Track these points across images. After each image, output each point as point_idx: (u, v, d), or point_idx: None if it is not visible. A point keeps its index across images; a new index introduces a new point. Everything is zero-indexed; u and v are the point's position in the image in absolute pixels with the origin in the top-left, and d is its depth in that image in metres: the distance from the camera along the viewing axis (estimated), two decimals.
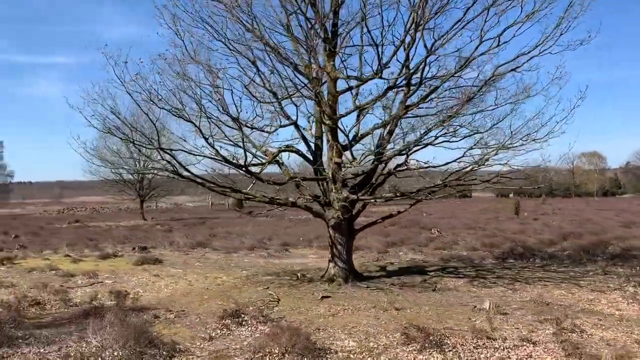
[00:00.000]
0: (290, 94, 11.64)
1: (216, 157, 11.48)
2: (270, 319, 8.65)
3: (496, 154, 10.61)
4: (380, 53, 10.77)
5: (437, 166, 12.67)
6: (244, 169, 11.39)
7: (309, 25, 11.36)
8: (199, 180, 12.21)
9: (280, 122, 12.18)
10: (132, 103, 11.32)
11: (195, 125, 10.83)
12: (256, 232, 29.34)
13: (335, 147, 11.65)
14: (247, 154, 11.76)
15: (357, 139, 12.19)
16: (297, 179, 11.78)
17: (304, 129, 12.62)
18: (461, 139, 12.26)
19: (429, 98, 11.25)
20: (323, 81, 12.01)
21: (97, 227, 38.69)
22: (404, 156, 12.17)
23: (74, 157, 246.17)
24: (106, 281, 14.04)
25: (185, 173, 11.84)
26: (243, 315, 8.63)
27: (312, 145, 12.60)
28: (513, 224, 31.91)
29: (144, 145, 11.48)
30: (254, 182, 11.92)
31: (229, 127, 11.95)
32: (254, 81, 11.74)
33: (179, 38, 11.51)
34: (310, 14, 11.31)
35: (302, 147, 12.60)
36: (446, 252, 19.82)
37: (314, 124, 12.91)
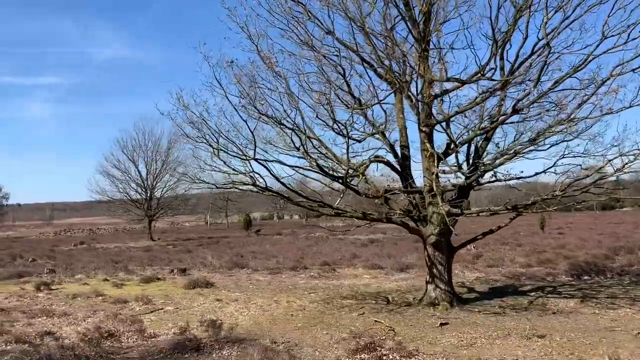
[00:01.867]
0: (379, 100, 10.63)
1: (312, 169, 10.36)
2: (410, 353, 7.46)
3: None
4: (497, 50, 9.77)
5: (528, 177, 11.73)
6: (340, 180, 10.28)
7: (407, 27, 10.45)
8: (284, 194, 11.05)
9: (371, 130, 11.13)
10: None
11: (296, 134, 9.72)
12: (281, 252, 28.08)
13: (433, 155, 10.59)
14: (333, 164, 10.72)
15: (452, 147, 11.15)
16: (393, 192, 10.69)
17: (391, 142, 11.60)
18: (550, 147, 11.34)
19: (540, 100, 10.25)
20: (411, 84, 11.05)
21: (106, 249, 37.07)
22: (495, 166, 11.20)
23: (63, 178, 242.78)
24: (167, 307, 12.74)
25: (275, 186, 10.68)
26: (379, 349, 7.44)
27: (399, 154, 11.56)
28: (545, 238, 31.00)
29: (239, 156, 10.26)
30: (342, 195, 10.80)
31: (311, 137, 10.91)
32: (341, 88, 10.75)
33: (253, 42, 10.57)
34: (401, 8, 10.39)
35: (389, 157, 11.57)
36: (504, 270, 18.73)
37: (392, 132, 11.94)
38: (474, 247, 26.91)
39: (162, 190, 46.04)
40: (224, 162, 9.98)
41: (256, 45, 10.56)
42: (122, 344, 9.36)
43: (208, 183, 10.80)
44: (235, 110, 9.77)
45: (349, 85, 11.04)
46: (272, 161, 10.28)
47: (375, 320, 9.76)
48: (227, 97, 9.58)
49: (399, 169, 11.41)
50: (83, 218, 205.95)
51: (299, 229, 62.08)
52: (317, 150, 10.57)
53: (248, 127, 9.81)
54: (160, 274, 18.74)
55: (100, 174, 44.41)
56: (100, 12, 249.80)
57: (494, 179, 11.25)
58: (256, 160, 9.98)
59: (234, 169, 10.12)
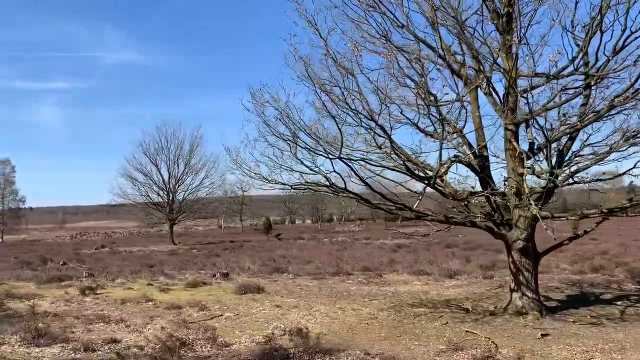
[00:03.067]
0: (460, 97, 10.02)
1: (397, 169, 9.75)
2: None
3: None
4: (588, 43, 9.14)
5: (609, 178, 11.11)
6: (426, 182, 9.65)
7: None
8: (362, 196, 10.42)
9: (447, 129, 10.50)
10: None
11: (385, 132, 9.11)
12: (313, 256, 27.49)
13: (519, 155, 9.96)
14: (409, 166, 10.10)
15: (539, 146, 10.52)
16: (478, 194, 10.06)
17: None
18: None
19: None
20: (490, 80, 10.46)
21: (131, 253, 36.62)
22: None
23: (73, 182, 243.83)
24: (226, 314, 12.17)
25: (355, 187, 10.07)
26: None
27: (478, 155, 10.93)
28: (583, 244, 30.11)
29: (323, 154, 9.67)
30: (420, 198, 10.18)
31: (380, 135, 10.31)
32: (419, 85, 10.16)
33: (321, 37, 10.00)
34: None
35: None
36: (557, 276, 18.02)
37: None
38: None
39: (184, 194, 45.66)
40: (301, 162, 9.37)
41: (325, 40, 10.02)
42: (197, 353, 8.80)
43: (284, 184, 10.18)
44: (325, 106, 9.17)
45: (426, 82, 10.45)
46: (356, 160, 9.68)
47: (467, 331, 9.11)
48: (316, 93, 8.98)
49: (478, 170, 10.78)
50: (94, 222, 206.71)
51: (316, 233, 61.58)
52: (394, 150, 9.93)
53: (337, 124, 9.17)
54: (202, 278, 18.15)
55: (122, 176, 44.13)
56: (109, 18, 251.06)
57: (575, 179, 10.63)
58: (341, 159, 9.37)
59: (313, 168, 9.50)
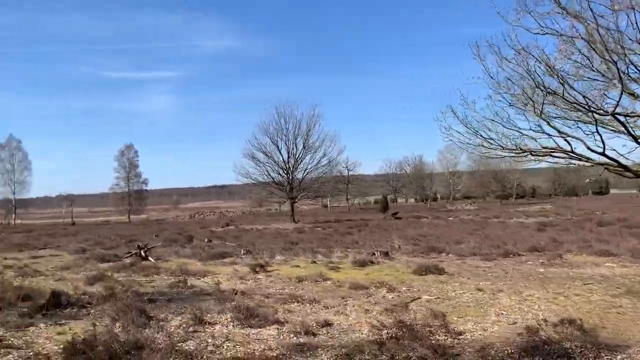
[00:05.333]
0: None
1: None
2: None
3: None
4: None
5: None
6: None
7: None
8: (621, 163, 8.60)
9: None
10: None
11: None
12: (454, 235, 25.82)
13: None
14: None
15: None
16: None
17: None
18: None
19: None
20: None
21: (259, 231, 37.04)
22: None
23: (181, 165, 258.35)
24: (424, 296, 11.05)
25: None
26: None
27: None
28: None
29: (586, 109, 8.01)
30: None
31: None
32: None
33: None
34: None
35: None
36: None
37: None
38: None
39: (303, 172, 45.67)
40: (548, 123, 7.81)
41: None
42: (433, 342, 7.69)
43: (523, 151, 8.69)
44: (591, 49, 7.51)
45: None
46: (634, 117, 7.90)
47: None
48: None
49: None
50: (203, 202, 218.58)
51: (430, 212, 59.50)
52: None
53: (617, 68, 7.42)
54: (362, 257, 17.25)
55: (245, 157, 44.93)
56: (209, 6, 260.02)
57: None
58: (615, 116, 7.65)
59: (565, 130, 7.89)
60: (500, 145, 8.64)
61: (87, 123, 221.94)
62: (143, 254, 18.22)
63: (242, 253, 18.44)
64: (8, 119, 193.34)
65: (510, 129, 8.41)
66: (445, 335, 7.86)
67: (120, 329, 8.31)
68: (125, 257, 18.41)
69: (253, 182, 45.72)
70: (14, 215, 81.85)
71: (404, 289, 11.94)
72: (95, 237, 33.15)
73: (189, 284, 12.75)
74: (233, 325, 8.71)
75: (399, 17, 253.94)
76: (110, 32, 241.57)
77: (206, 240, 25.35)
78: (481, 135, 8.59)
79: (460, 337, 7.91)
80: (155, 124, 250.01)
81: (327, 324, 8.76)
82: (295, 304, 10.61)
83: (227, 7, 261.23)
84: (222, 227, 42.84)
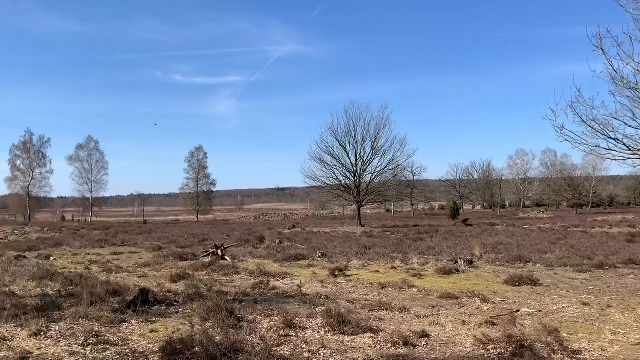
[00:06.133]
0: None
1: None
2: None
3: None
4: None
5: None
6: None
7: None
8: None
9: None
10: None
11: None
12: (536, 244, 24.38)
13: None
14: None
15: None
16: None
17: None
18: None
19: None
20: None
21: (327, 234, 36.76)
22: None
23: (244, 167, 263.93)
24: (523, 309, 10.21)
25: None
26: None
27: None
28: None
29: None
30: None
31: None
32: None
33: None
34: None
35: None
36: None
37: None
38: None
39: (370, 176, 45.02)
40: None
41: None
42: None
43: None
44: None
45: None
46: None
47: None
48: None
49: None
50: (264, 204, 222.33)
51: (499, 219, 57.14)
52: None
53: None
54: (443, 264, 16.49)
55: (313, 159, 44.84)
56: (275, 13, 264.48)
57: None
58: None
59: None
60: (626, 146, 7.77)
61: (156, 126, 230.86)
62: (220, 253, 18.29)
63: (317, 256, 18.14)
64: (88, 121, 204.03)
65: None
66: (561, 354, 7.11)
67: (211, 329, 8.12)
68: (203, 256, 18.56)
69: (320, 185, 45.53)
70: (90, 213, 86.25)
71: (498, 300, 11.15)
72: (169, 236, 34.04)
73: (270, 286, 12.53)
74: (325, 331, 8.32)
75: (470, 16, 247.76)
76: (181, 38, 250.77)
77: (277, 241, 25.27)
78: (605, 135, 7.75)
79: (579, 356, 7.14)
80: (219, 127, 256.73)
81: (425, 334, 8.19)
82: (384, 311, 10.11)
83: (292, 12, 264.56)
84: (288, 229, 42.92)
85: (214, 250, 18.64)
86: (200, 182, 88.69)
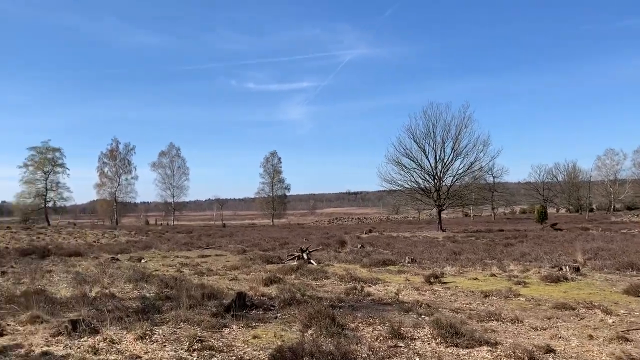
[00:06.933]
0: None
1: None
2: None
3: None
4: None
5: None
6: None
7: None
8: None
9: None
10: None
11: None
12: (629, 249, 22.25)
13: None
14: None
15: None
16: None
17: None
18: None
19: None
20: None
21: (406, 238, 35.81)
22: None
23: (325, 171, 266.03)
24: None
25: None
26: None
27: None
28: None
29: None
30: None
31: None
32: None
33: None
34: None
35: None
36: None
37: None
38: None
39: (451, 179, 43.46)
40: None
41: None
42: None
43: None
44: None
45: None
46: None
47: None
48: None
49: None
50: (335, 208, 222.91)
51: (588, 223, 53.42)
52: None
53: None
54: (547, 271, 15.27)
55: (390, 162, 43.92)
56: (346, 17, 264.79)
57: None
58: None
59: None
60: None
61: (230, 132, 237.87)
62: (305, 257, 18.04)
63: (406, 261, 17.42)
64: (167, 129, 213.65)
65: None
66: None
67: (313, 337, 7.72)
68: (289, 260, 18.38)
69: (398, 188, 44.47)
70: (173, 217, 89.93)
71: (622, 312, 10.00)
72: (250, 239, 34.47)
73: (365, 292, 12.01)
74: (436, 343, 7.68)
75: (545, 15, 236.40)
76: (254, 47, 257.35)
77: (359, 246, 24.75)
78: None
79: None
80: (291, 132, 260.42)
81: (550, 349, 7.36)
82: (495, 322, 9.30)
83: (363, 15, 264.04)
84: (365, 234, 42.33)
85: (300, 254, 18.41)
86: (275, 187, 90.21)
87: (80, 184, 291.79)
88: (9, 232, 41.00)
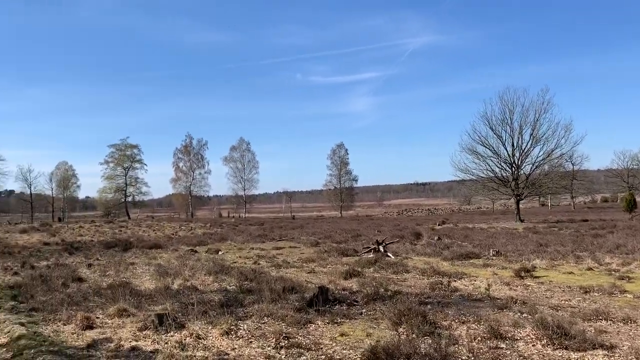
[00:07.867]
0: None
1: None
2: None
3: None
4: None
5: None
6: None
7: None
8: None
9: None
10: None
11: None
12: None
13: None
14: None
15: None
16: None
17: None
18: None
19: None
20: None
21: (483, 230, 34.30)
22: None
23: (386, 163, 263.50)
24: None
25: None
26: None
27: None
28: None
29: None
30: None
31: None
32: None
33: None
34: None
35: None
36: None
37: None
38: None
39: (530, 167, 41.22)
40: None
41: None
42: None
43: None
44: None
45: None
46: None
47: None
48: None
49: None
50: (403, 199, 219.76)
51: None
52: None
53: None
54: None
55: (464, 151, 42.22)
56: (409, 4, 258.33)
57: None
58: None
59: None
60: None
61: (296, 125, 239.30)
62: (382, 249, 17.51)
63: (490, 254, 16.48)
64: (239, 124, 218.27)
65: None
66: None
67: (406, 336, 7.22)
68: (364, 252, 17.94)
69: (473, 177, 42.75)
70: (244, 210, 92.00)
71: None
72: (321, 231, 34.31)
73: (451, 287, 11.34)
74: (542, 345, 6.96)
75: None
76: (317, 40, 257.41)
77: (436, 238, 23.88)
78: None
79: None
80: (356, 123, 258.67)
81: None
82: (603, 321, 8.41)
83: (425, 3, 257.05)
84: (439, 225, 41.04)
85: (376, 246, 17.91)
86: (343, 178, 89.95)
87: (158, 179, 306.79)
88: (94, 225, 43.24)
